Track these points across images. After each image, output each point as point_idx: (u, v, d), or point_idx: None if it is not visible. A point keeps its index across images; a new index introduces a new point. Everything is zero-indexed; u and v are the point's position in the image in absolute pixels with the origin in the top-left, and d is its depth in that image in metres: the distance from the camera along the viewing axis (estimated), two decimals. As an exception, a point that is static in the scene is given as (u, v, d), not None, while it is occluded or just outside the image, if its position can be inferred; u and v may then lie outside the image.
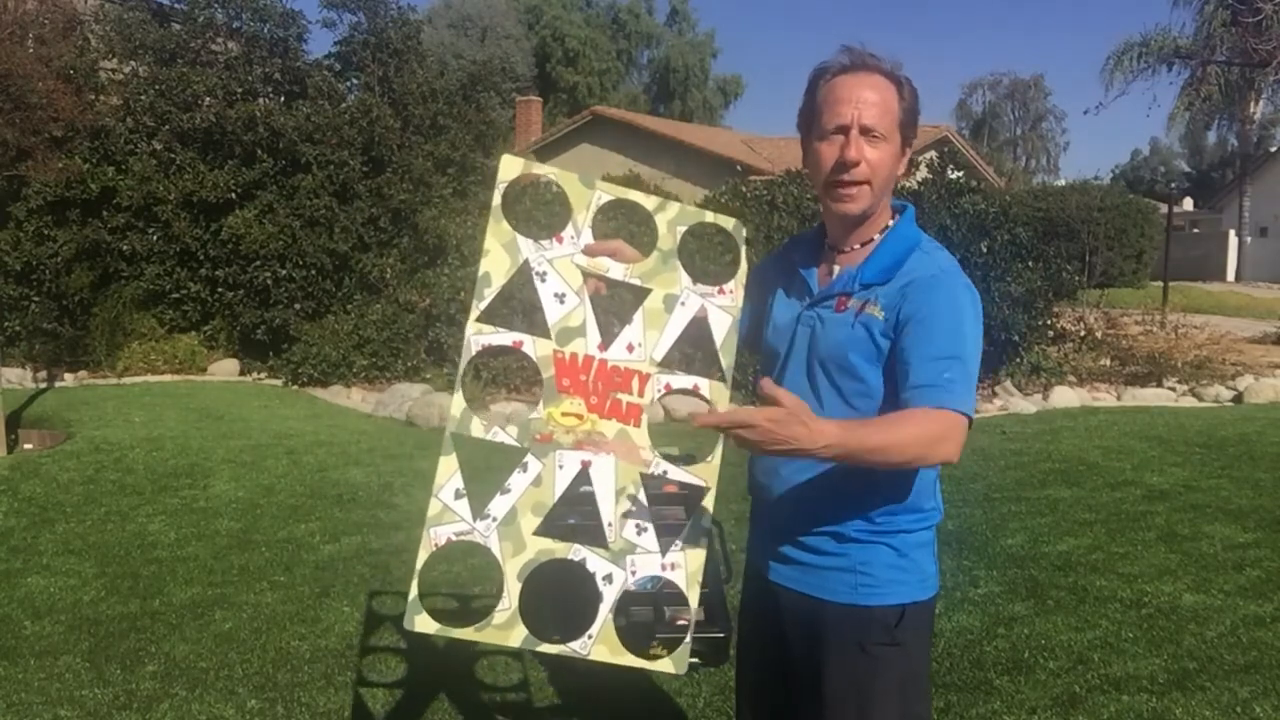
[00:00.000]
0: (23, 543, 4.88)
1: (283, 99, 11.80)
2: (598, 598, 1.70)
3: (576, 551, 1.71)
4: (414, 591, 1.69)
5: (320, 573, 4.48)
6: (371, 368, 9.77)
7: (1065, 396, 9.18)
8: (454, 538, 1.68)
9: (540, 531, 1.70)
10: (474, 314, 1.74)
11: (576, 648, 1.69)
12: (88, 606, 4.08)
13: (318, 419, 8.13)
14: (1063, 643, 3.77)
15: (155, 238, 10.56)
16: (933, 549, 1.80)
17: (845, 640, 1.72)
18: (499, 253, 1.76)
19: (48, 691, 3.33)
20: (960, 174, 12.02)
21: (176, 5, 12.12)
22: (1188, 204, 39.02)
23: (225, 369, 10.53)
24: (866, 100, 1.67)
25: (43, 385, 9.63)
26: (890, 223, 1.78)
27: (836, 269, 1.79)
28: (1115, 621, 3.98)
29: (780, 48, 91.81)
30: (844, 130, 1.67)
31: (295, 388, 9.66)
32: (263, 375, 10.37)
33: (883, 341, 1.67)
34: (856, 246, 1.78)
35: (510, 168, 1.81)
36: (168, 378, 10.19)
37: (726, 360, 1.80)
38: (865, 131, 1.67)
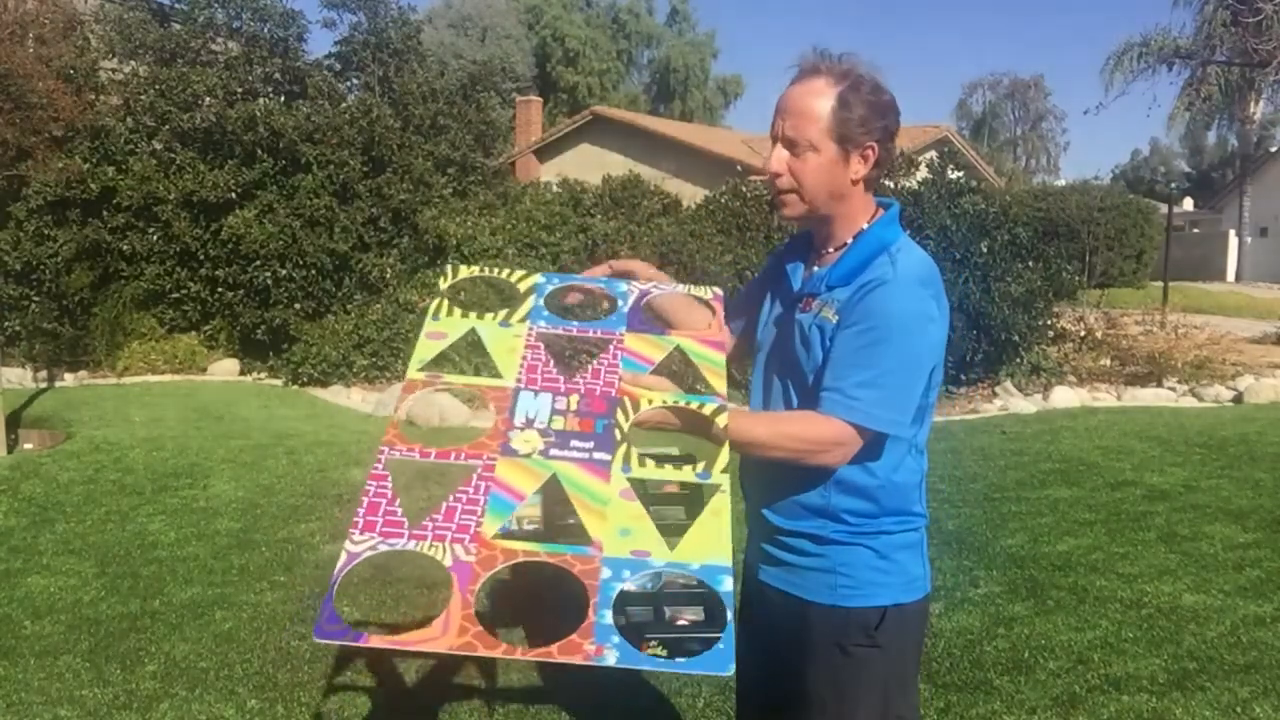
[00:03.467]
0: (23, 543, 4.88)
1: (283, 99, 11.80)
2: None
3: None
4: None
5: (320, 573, 4.48)
6: (371, 368, 9.77)
7: (1065, 396, 9.18)
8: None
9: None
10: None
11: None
12: (88, 606, 4.08)
13: (318, 419, 8.13)
14: (1063, 643, 3.77)
15: (155, 238, 10.56)
16: (920, 550, 1.80)
17: (826, 640, 1.73)
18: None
19: (48, 691, 3.33)
20: (960, 174, 12.02)
21: (176, 5, 12.13)
22: (1188, 204, 38.99)
23: (225, 369, 10.53)
24: (791, 111, 1.69)
25: (43, 385, 9.64)
26: (866, 225, 1.77)
27: (815, 269, 1.81)
28: (1115, 621, 3.98)
29: (780, 48, 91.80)
30: (774, 141, 1.72)
31: (295, 388, 9.66)
32: (263, 375, 10.38)
33: (830, 339, 1.70)
34: (832, 249, 1.79)
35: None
36: (168, 377, 10.19)
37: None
38: (788, 144, 1.70)
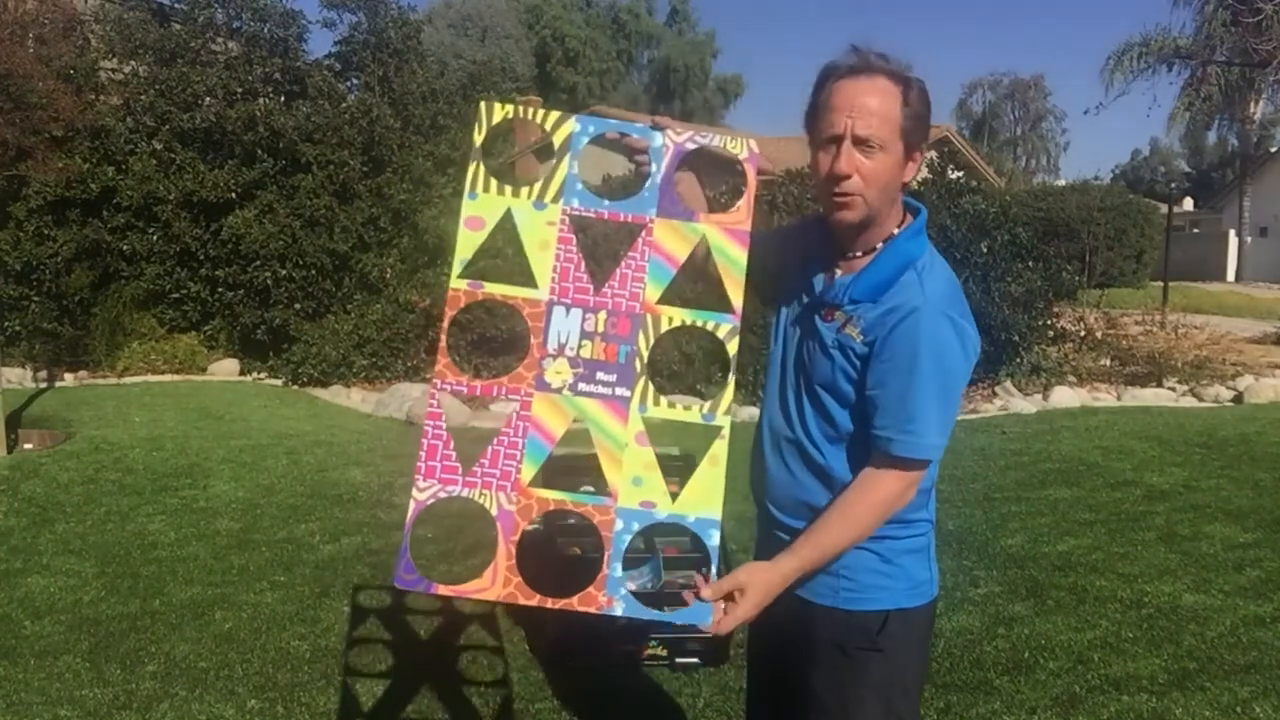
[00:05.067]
0: (23, 543, 4.88)
1: (283, 99, 11.79)
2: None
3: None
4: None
5: (320, 573, 4.48)
6: (371, 368, 9.77)
7: (1065, 396, 9.18)
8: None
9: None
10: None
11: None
12: (88, 606, 4.08)
13: (318, 419, 8.13)
14: (1063, 643, 3.77)
15: (155, 238, 10.56)
16: (927, 555, 1.79)
17: (829, 642, 1.74)
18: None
19: (48, 691, 3.33)
20: (960, 174, 12.03)
21: (176, 5, 12.11)
22: (1188, 204, 39.01)
23: (225, 369, 10.53)
24: (863, 109, 1.62)
25: (43, 385, 9.63)
26: (895, 231, 1.73)
27: (838, 273, 1.76)
28: (1115, 621, 3.98)
29: (780, 48, 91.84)
30: (838, 140, 1.64)
31: (295, 388, 9.66)
32: (263, 375, 10.37)
33: (857, 363, 1.68)
34: (859, 254, 1.74)
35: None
36: (168, 378, 10.19)
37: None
38: (860, 142, 1.63)
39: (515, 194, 1.77)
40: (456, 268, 1.73)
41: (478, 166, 1.77)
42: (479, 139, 1.80)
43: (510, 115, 1.82)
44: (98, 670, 3.49)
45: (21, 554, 4.71)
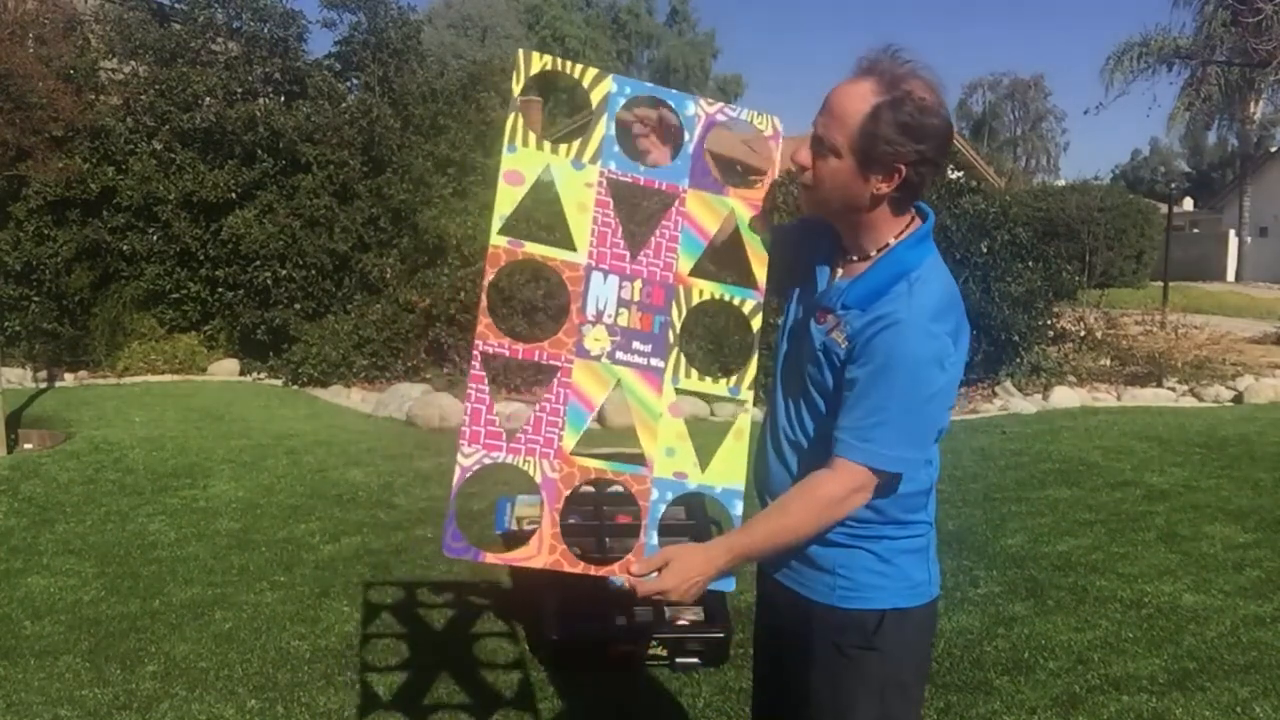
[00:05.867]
0: (23, 543, 4.88)
1: (283, 99, 11.79)
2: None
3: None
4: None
5: (320, 573, 4.48)
6: (371, 368, 9.77)
7: (1065, 396, 9.18)
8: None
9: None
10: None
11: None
12: (88, 606, 4.08)
13: (318, 419, 8.12)
14: (1063, 643, 3.77)
15: (155, 238, 10.55)
16: (926, 556, 1.78)
17: (825, 640, 1.74)
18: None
19: (48, 691, 3.33)
20: (960, 174, 12.02)
21: (176, 5, 12.11)
22: (1188, 204, 38.98)
23: (225, 369, 10.52)
24: (830, 110, 1.65)
25: (43, 385, 9.63)
26: (892, 241, 1.71)
27: (839, 273, 1.77)
28: (1115, 621, 3.98)
29: (780, 48, 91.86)
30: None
31: (295, 388, 9.66)
32: (263, 375, 10.37)
33: (839, 366, 1.68)
34: (856, 259, 1.74)
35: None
36: (168, 378, 10.18)
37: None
38: (815, 142, 1.67)
39: (554, 150, 1.77)
40: (496, 223, 1.72)
41: (516, 118, 1.76)
42: (517, 89, 1.77)
43: (549, 66, 1.81)
44: (98, 670, 3.49)
45: (21, 554, 4.71)
